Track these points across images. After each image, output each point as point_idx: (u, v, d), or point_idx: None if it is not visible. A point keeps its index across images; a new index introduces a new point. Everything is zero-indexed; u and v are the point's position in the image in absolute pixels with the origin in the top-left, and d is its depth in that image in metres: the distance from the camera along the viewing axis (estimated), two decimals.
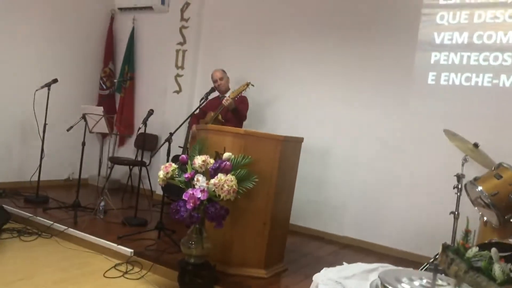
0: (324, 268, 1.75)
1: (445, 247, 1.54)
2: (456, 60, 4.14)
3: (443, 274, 1.50)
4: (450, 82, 4.16)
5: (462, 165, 3.40)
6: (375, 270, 1.75)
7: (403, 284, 1.35)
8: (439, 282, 1.39)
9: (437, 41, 4.24)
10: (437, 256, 1.56)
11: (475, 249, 1.47)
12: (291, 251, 3.91)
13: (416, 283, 1.37)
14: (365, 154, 4.56)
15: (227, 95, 4.60)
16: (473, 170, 3.52)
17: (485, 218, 3.19)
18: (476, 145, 3.32)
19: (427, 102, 4.26)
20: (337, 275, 1.61)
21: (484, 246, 2.27)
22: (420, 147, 4.27)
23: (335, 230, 4.67)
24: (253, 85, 4.22)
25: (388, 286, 1.33)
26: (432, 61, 4.26)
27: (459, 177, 3.39)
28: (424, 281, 1.39)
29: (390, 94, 4.46)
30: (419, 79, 4.31)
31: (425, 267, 3.23)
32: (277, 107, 5.06)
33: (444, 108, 4.14)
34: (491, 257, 1.45)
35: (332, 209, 4.70)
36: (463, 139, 3.42)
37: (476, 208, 3.28)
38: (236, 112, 4.34)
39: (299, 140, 3.58)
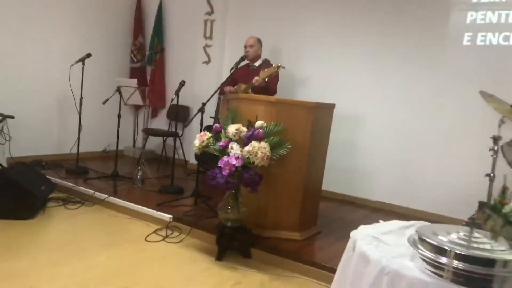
0: (361, 225, 1.80)
1: (482, 204, 1.56)
2: (493, 19, 4.00)
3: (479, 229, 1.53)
4: (487, 43, 4.03)
5: (499, 126, 3.34)
6: (412, 226, 1.79)
7: (440, 237, 1.39)
8: (476, 235, 1.42)
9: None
10: (474, 215, 1.58)
11: (511, 205, 1.49)
12: (323, 216, 3.98)
13: (453, 235, 1.41)
14: (398, 118, 4.53)
15: (256, 64, 4.60)
16: (510, 132, 3.45)
17: None
18: None
19: (462, 63, 4.15)
20: (374, 231, 1.66)
21: None
22: (455, 109, 4.20)
23: (367, 195, 4.71)
24: (283, 67, 4.07)
25: (425, 239, 1.38)
26: (468, 21, 4.12)
27: (496, 139, 3.33)
28: (462, 234, 1.42)
29: (423, 56, 4.36)
30: (454, 40, 4.19)
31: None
32: (309, 74, 5.04)
33: (480, 70, 4.04)
34: None
35: (364, 174, 4.72)
36: (500, 100, 3.33)
37: None
38: (266, 89, 4.33)
39: (331, 107, 3.58)
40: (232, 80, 4.62)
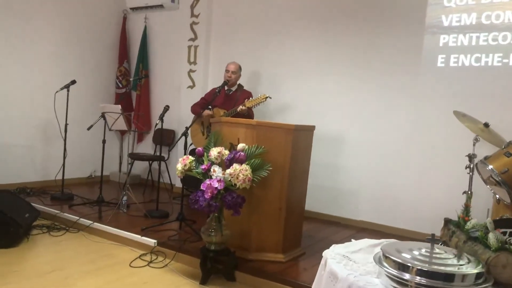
0: (333, 245, 1.86)
1: (447, 221, 1.63)
2: (465, 42, 4.16)
3: (442, 245, 1.59)
4: (460, 64, 4.19)
5: (474, 145, 3.46)
6: (380, 244, 1.85)
7: (403, 254, 1.45)
8: (437, 250, 1.48)
9: (445, 23, 4.26)
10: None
11: (473, 221, 1.56)
12: (308, 237, 4.02)
13: (416, 252, 1.47)
14: (377, 138, 4.63)
15: (232, 89, 4.72)
16: (485, 150, 3.57)
17: (497, 196, 3.24)
18: (486, 125, 3.36)
19: (437, 84, 4.30)
20: (344, 250, 1.72)
21: (496, 222, 2.35)
22: (431, 129, 4.32)
23: (351, 215, 4.76)
24: (270, 98, 4.20)
25: (389, 256, 1.43)
26: (441, 44, 4.28)
27: (471, 157, 3.45)
28: (423, 250, 1.49)
29: (399, 78, 4.50)
30: (428, 62, 4.34)
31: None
32: (289, 97, 5.14)
33: (454, 90, 4.18)
34: (487, 227, 1.53)
35: (347, 194, 4.79)
36: (473, 119, 3.46)
37: (488, 186, 3.33)
38: (247, 117, 4.42)
39: (311, 128, 3.66)
40: (205, 102, 4.73)
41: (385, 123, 4.59)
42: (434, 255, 1.46)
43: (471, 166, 3.42)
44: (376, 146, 4.64)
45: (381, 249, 1.52)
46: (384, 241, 1.87)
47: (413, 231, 4.32)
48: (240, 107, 4.24)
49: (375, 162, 4.64)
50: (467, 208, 1.67)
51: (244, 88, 4.82)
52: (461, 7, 4.17)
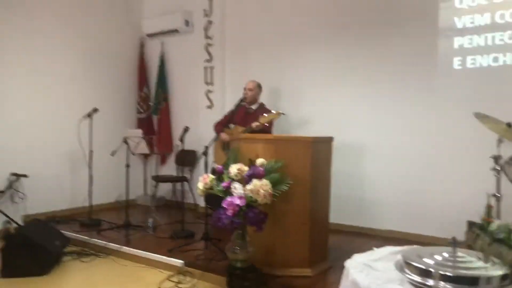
0: (355, 254, 1.84)
1: (471, 224, 1.60)
2: (481, 42, 4.12)
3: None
4: (478, 65, 4.13)
5: (498, 146, 3.39)
6: (402, 251, 1.82)
7: (424, 259, 1.43)
8: (459, 254, 1.45)
9: (459, 25, 4.22)
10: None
11: (497, 223, 1.53)
12: (335, 249, 3.98)
13: (438, 257, 1.45)
14: (398, 145, 4.58)
15: (252, 107, 4.76)
16: (510, 150, 3.48)
17: None
18: (509, 125, 3.29)
19: (455, 87, 4.25)
20: (365, 259, 1.70)
21: None
22: (453, 132, 4.25)
23: (377, 225, 4.70)
24: (284, 114, 4.24)
25: (411, 262, 1.41)
26: (456, 46, 4.24)
27: (496, 158, 3.38)
28: (445, 254, 1.46)
29: (416, 84, 4.47)
30: (444, 66, 4.30)
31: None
32: (308, 109, 5.16)
33: (474, 91, 4.12)
34: (511, 229, 1.49)
35: (372, 204, 4.74)
36: (495, 120, 3.40)
37: None
38: (263, 132, 4.45)
39: (329, 140, 3.66)
40: (227, 118, 4.76)
41: (406, 129, 4.55)
42: (457, 259, 1.43)
43: (497, 168, 3.35)
44: (398, 153, 4.59)
45: (401, 255, 1.50)
46: (406, 247, 1.84)
47: (441, 237, 4.21)
48: (255, 123, 4.28)
49: (398, 169, 4.58)
50: (489, 210, 1.64)
51: (265, 106, 4.84)
52: (474, 7, 4.14)
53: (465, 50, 4.19)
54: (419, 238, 4.36)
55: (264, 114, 4.29)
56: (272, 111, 4.28)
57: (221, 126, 4.89)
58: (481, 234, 1.48)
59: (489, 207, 1.64)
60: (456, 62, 4.24)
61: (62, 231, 4.41)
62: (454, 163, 4.25)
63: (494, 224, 1.50)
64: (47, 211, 5.42)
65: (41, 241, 3.77)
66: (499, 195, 3.36)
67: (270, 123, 4.46)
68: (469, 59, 4.17)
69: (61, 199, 5.71)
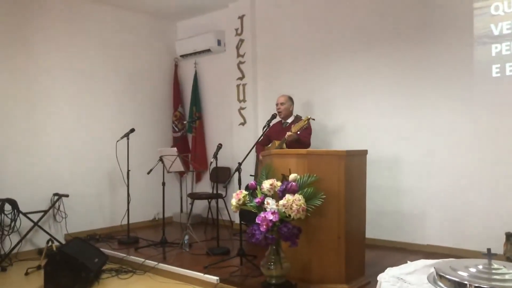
0: (388, 268, 1.79)
1: (509, 236, 1.52)
2: None
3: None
4: None
5: None
6: (436, 264, 1.75)
7: (459, 272, 1.37)
8: (495, 266, 1.38)
9: (496, 32, 4.10)
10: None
11: None
12: (372, 265, 3.87)
13: (472, 269, 1.38)
14: (437, 156, 4.45)
15: (288, 120, 4.77)
16: None
17: None
18: None
19: (494, 95, 4.11)
20: (398, 272, 1.65)
21: None
22: (495, 141, 4.10)
23: (417, 239, 4.55)
24: (313, 119, 4.20)
25: (443, 275, 1.36)
26: (493, 53, 4.12)
27: None
28: (480, 266, 1.39)
29: (454, 94, 4.35)
30: (482, 74, 4.17)
31: None
32: (342, 123, 5.11)
33: None
34: None
35: (411, 218, 4.60)
36: None
37: None
38: (299, 142, 4.44)
39: (363, 153, 3.61)
40: (266, 137, 4.77)
41: (443, 141, 4.42)
42: (492, 271, 1.36)
43: None
44: (437, 164, 4.45)
45: (434, 268, 1.45)
46: (441, 260, 1.77)
47: (482, 251, 4.03)
48: (288, 133, 4.26)
49: (436, 182, 4.45)
50: None
51: (301, 117, 4.80)
52: (510, 13, 4.01)
53: (503, 57, 4.06)
54: (460, 253, 4.19)
55: (293, 117, 4.27)
56: (302, 119, 4.26)
57: (261, 147, 4.89)
58: None
59: None
60: (495, 69, 4.11)
61: (101, 249, 4.52)
62: (494, 174, 4.08)
63: None
64: (87, 230, 5.58)
65: (81, 259, 3.87)
66: None
67: (305, 130, 4.40)
68: (508, 66, 4.03)
69: (101, 218, 5.87)
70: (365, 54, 4.95)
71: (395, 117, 4.73)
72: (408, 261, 1.90)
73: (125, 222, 5.33)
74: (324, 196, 3.13)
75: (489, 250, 1.40)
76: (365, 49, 4.95)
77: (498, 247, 3.85)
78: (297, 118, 4.79)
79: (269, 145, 4.78)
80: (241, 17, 5.99)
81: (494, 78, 4.11)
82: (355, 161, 3.48)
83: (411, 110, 4.63)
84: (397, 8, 4.71)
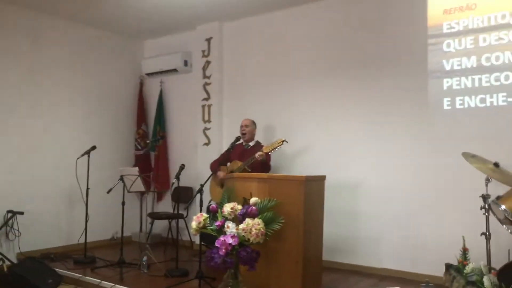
0: None
1: (448, 266, 1.64)
2: (468, 84, 4.25)
3: None
4: (466, 105, 4.25)
5: (486, 185, 3.45)
6: None
7: None
8: None
9: (447, 67, 4.37)
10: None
11: (471, 265, 1.57)
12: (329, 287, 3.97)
13: None
14: (391, 183, 4.63)
15: (250, 144, 4.86)
16: (500, 189, 3.53)
17: None
18: (496, 165, 3.36)
19: (445, 127, 4.35)
20: None
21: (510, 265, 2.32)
22: (446, 171, 4.31)
23: (372, 263, 4.68)
24: (287, 142, 4.25)
25: None
26: (445, 87, 4.37)
27: (485, 198, 3.43)
28: None
29: (409, 124, 4.58)
30: (435, 106, 4.42)
31: None
32: (303, 149, 5.23)
33: (462, 131, 4.23)
34: (482, 271, 1.54)
35: (367, 242, 4.74)
36: (483, 159, 3.48)
37: (505, 226, 3.28)
38: (264, 164, 4.54)
39: (322, 178, 3.73)
40: (227, 159, 4.83)
41: (399, 168, 4.61)
42: None
43: (486, 207, 3.40)
44: (392, 191, 4.63)
45: None
46: None
47: (436, 276, 4.19)
48: (258, 153, 4.33)
49: (392, 207, 4.62)
50: (465, 252, 1.68)
51: (261, 144, 4.92)
52: (461, 51, 4.29)
53: (453, 91, 4.32)
54: (414, 277, 4.36)
55: (266, 145, 4.35)
56: (275, 140, 4.32)
57: (217, 164, 4.96)
58: (457, 276, 1.52)
59: (464, 250, 1.69)
60: (446, 102, 4.36)
61: (56, 269, 4.40)
62: (445, 202, 4.29)
63: (469, 267, 1.54)
64: (42, 248, 5.40)
65: (34, 280, 3.77)
66: (488, 234, 3.39)
67: (267, 156, 4.49)
68: (458, 100, 4.30)
69: (57, 236, 5.70)
70: (327, 82, 5.13)
71: (353, 144, 4.91)
72: None
73: (82, 240, 5.20)
74: (283, 221, 3.21)
75: (427, 281, 1.51)
76: (326, 77, 5.14)
77: None
78: (258, 144, 4.92)
79: (228, 165, 4.83)
80: (208, 40, 6.09)
81: (445, 111, 4.37)
82: (314, 186, 3.60)
83: (369, 137, 4.82)
84: (358, 39, 4.93)
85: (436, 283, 4.09)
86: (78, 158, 5.14)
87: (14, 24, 5.38)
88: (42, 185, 5.59)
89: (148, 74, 6.73)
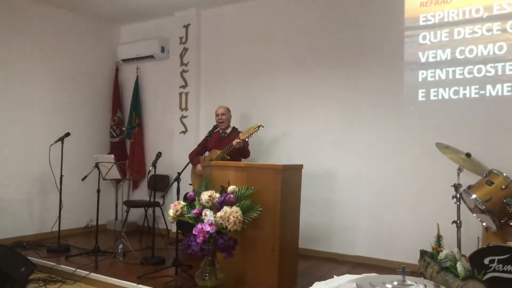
0: (316, 283, 1.91)
1: (423, 253, 1.70)
2: (442, 76, 4.34)
3: (422, 278, 1.66)
4: (440, 97, 4.35)
5: (458, 175, 3.56)
6: (358, 279, 1.90)
7: (376, 287, 1.52)
8: (408, 282, 1.55)
9: (422, 59, 4.45)
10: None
11: (445, 252, 1.63)
12: (304, 275, 4.03)
13: (388, 285, 1.54)
14: (367, 173, 4.72)
15: (227, 131, 4.85)
16: (472, 178, 3.64)
17: (484, 224, 3.31)
18: (468, 155, 3.47)
19: (420, 118, 4.45)
20: (326, 287, 1.77)
21: (483, 251, 2.41)
22: (419, 161, 4.42)
23: (347, 250, 4.78)
24: (263, 127, 4.24)
25: None
26: (420, 79, 4.46)
27: (456, 187, 3.54)
28: (395, 283, 1.55)
29: (384, 114, 4.66)
30: (410, 97, 4.51)
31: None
32: (280, 137, 5.27)
33: (436, 122, 4.33)
34: (455, 257, 1.60)
35: (342, 230, 4.83)
36: (455, 150, 3.58)
37: (475, 215, 3.40)
38: (242, 150, 4.55)
39: (299, 167, 3.77)
40: (204, 148, 4.81)
41: (374, 158, 4.70)
42: (405, 287, 1.52)
43: (457, 196, 3.51)
44: (367, 180, 4.72)
45: (356, 284, 1.59)
46: (364, 275, 1.92)
47: (409, 263, 4.29)
48: (236, 140, 4.33)
49: (367, 196, 4.71)
50: (439, 239, 1.74)
51: (238, 130, 4.92)
52: (436, 43, 4.38)
53: (428, 83, 4.41)
54: (387, 264, 4.47)
55: (244, 131, 4.35)
56: (251, 126, 4.31)
57: (195, 155, 4.93)
58: (431, 262, 1.57)
59: (438, 237, 1.75)
60: (421, 94, 4.45)
61: (29, 257, 4.31)
62: (419, 191, 4.41)
63: (442, 253, 1.60)
64: (14, 236, 5.29)
65: (6, 268, 3.68)
66: (459, 222, 3.50)
67: (245, 141, 4.50)
68: (432, 92, 4.39)
69: (29, 224, 5.60)
70: (303, 72, 5.16)
71: (330, 134, 4.96)
72: (334, 276, 2.03)
73: (56, 229, 5.11)
74: (261, 209, 3.24)
75: (403, 267, 1.56)
76: (303, 66, 5.16)
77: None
78: (234, 130, 4.91)
79: (207, 154, 4.82)
80: (186, 26, 6.01)
81: (419, 102, 4.46)
82: (291, 175, 3.63)
83: (344, 127, 4.88)
84: (337, 30, 4.96)
85: (408, 270, 4.23)
86: (51, 145, 5.01)
87: None
88: (15, 172, 5.46)
89: (124, 60, 6.61)
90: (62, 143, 5.04)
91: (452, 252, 1.61)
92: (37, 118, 5.75)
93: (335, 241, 4.87)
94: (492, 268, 2.16)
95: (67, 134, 5.12)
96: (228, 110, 4.96)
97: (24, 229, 5.48)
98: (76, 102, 6.21)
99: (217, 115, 4.93)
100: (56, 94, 5.97)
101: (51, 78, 5.92)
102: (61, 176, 5.02)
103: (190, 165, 4.67)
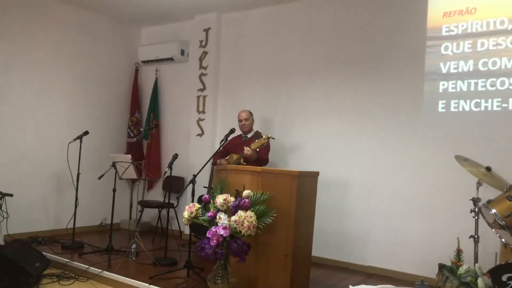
0: None
1: (441, 267, 1.66)
2: (464, 87, 4.28)
3: None
4: (460, 109, 4.28)
5: (477, 188, 3.49)
6: None
7: None
8: None
9: (444, 70, 4.40)
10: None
11: (465, 267, 1.59)
12: (316, 283, 4.00)
13: None
14: (383, 183, 4.67)
15: (248, 135, 4.84)
16: (490, 193, 3.58)
17: (503, 240, 3.23)
18: (488, 169, 3.40)
19: (439, 129, 4.38)
20: None
21: (501, 267, 2.36)
22: (436, 173, 4.36)
23: (359, 260, 4.73)
24: (273, 138, 4.28)
25: None
26: (440, 90, 4.40)
27: (475, 201, 3.47)
28: None
29: (403, 124, 4.60)
30: (430, 108, 4.45)
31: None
32: (299, 143, 5.25)
33: (456, 134, 4.26)
34: (477, 273, 1.56)
35: (355, 239, 4.78)
36: (475, 163, 3.52)
37: (493, 230, 3.32)
38: (257, 159, 4.53)
39: (315, 174, 3.74)
40: (224, 151, 4.83)
41: (390, 167, 4.65)
42: None
43: (476, 210, 3.44)
44: (383, 190, 4.67)
45: None
46: (380, 287, 1.90)
47: (423, 276, 4.24)
48: (246, 149, 4.34)
49: (382, 206, 4.66)
50: (459, 254, 1.70)
51: (260, 133, 4.78)
52: (458, 55, 4.32)
53: (449, 94, 4.35)
54: (400, 276, 4.42)
55: (256, 140, 4.36)
56: (262, 136, 4.34)
57: (218, 157, 4.93)
58: (450, 277, 1.54)
59: (458, 251, 1.71)
60: (441, 105, 4.39)
61: (43, 253, 4.37)
62: (436, 203, 4.34)
63: (462, 268, 1.57)
64: (29, 231, 5.37)
65: (21, 262, 3.73)
66: (477, 237, 3.43)
67: (265, 149, 4.50)
68: (452, 103, 4.33)
69: (45, 220, 5.68)
70: (324, 79, 5.14)
71: (347, 142, 4.93)
72: (350, 286, 2.01)
73: (70, 225, 5.17)
74: (275, 215, 3.22)
75: (422, 280, 1.53)
76: (324, 74, 5.14)
77: (434, 273, 4.08)
78: (257, 134, 4.88)
79: (227, 157, 4.84)
80: (206, 30, 6.06)
81: (439, 113, 4.40)
82: (307, 182, 3.61)
83: (363, 136, 4.84)
84: (357, 37, 4.94)
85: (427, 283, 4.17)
86: (70, 143, 5.09)
87: (11, 5, 5.29)
88: (33, 168, 5.56)
89: (144, 62, 6.69)
90: (81, 141, 5.10)
91: (471, 267, 1.57)
92: (57, 116, 5.84)
93: (348, 250, 4.82)
94: (510, 286, 2.11)
95: (86, 133, 5.18)
96: (250, 114, 4.95)
97: (39, 225, 5.56)
98: (95, 102, 6.29)
99: (240, 120, 4.91)
100: (75, 93, 6.06)
101: (71, 77, 6.01)
102: (78, 174, 5.08)
103: (206, 168, 4.67)
